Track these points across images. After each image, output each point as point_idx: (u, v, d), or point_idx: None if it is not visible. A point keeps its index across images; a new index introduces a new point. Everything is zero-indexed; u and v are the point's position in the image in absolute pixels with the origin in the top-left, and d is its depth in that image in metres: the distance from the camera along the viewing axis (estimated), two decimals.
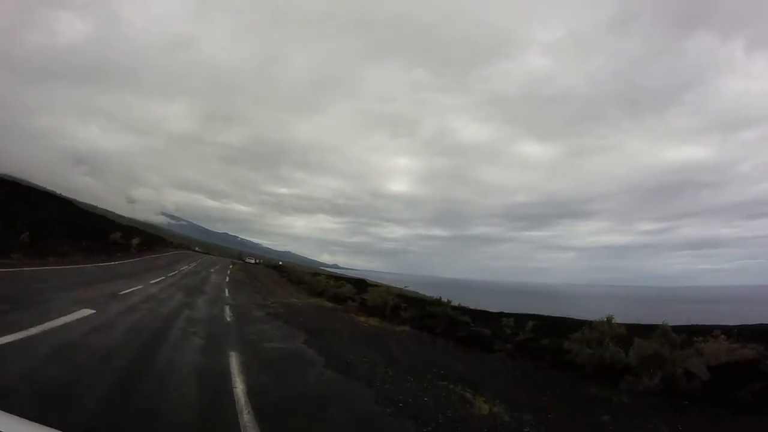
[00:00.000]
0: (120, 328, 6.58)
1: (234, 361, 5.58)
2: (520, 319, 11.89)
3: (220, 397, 4.12)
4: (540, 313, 14.72)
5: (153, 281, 14.38)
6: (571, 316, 15.53)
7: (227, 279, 23.07)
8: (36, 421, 1.41)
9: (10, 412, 1.41)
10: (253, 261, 66.47)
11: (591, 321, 7.94)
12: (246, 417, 3.66)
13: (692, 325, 8.39)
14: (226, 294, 15.25)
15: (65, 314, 6.64)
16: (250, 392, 4.30)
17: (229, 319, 9.52)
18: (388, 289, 15.42)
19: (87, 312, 7.20)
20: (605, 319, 7.67)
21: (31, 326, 5.43)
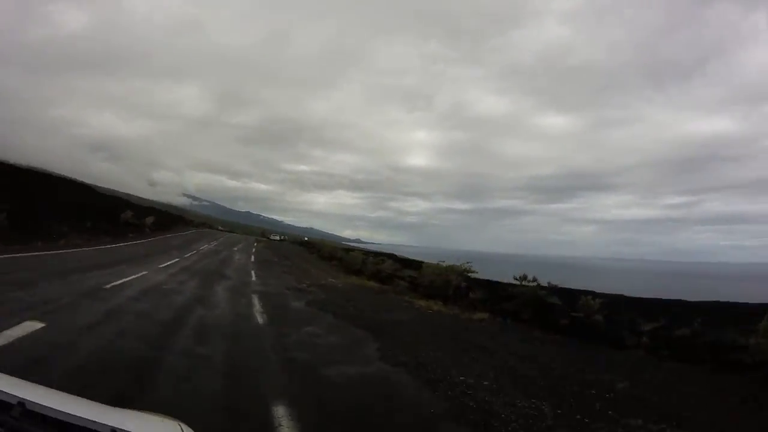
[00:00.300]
0: (69, 361, 3.61)
1: None
2: (602, 298, 9.37)
3: None
4: (610, 292, 11.53)
5: (162, 265, 11.49)
6: (677, 297, 12.16)
7: (252, 259, 20.36)
8: None
9: None
10: (278, 238, 64.46)
11: None
12: None
13: None
14: (253, 278, 12.39)
15: None
16: None
17: (260, 320, 6.56)
18: (452, 267, 12.23)
19: (30, 328, 4.31)
20: None
21: None
